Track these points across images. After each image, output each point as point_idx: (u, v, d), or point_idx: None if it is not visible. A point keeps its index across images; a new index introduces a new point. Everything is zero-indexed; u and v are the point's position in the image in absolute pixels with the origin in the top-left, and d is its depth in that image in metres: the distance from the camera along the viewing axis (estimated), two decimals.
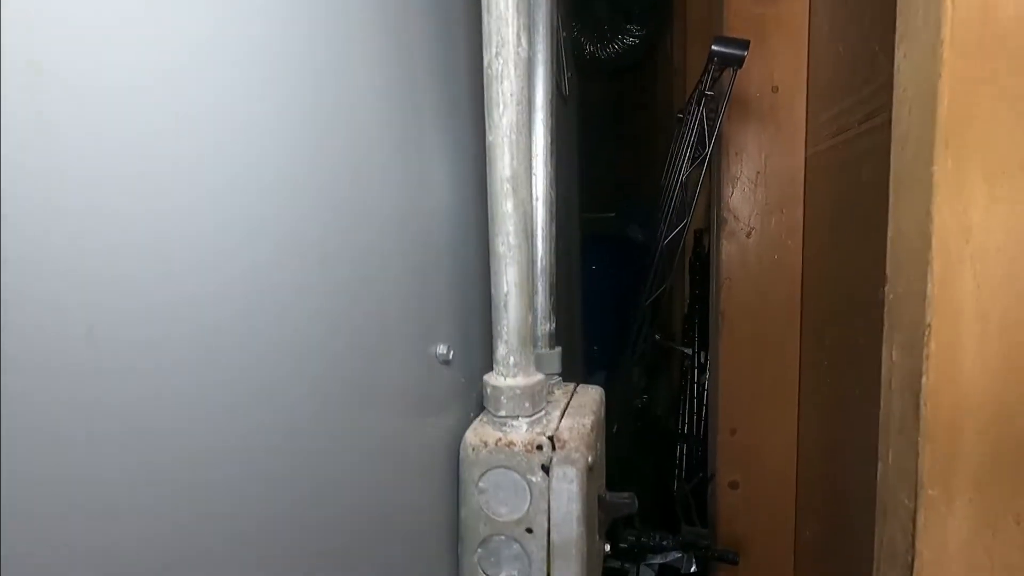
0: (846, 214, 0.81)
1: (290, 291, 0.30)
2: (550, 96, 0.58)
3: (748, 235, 1.02)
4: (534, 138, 0.55)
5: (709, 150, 0.87)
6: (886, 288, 0.39)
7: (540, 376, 0.44)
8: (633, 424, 1.64)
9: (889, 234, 0.38)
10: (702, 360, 1.40)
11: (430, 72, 0.40)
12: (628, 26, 2.24)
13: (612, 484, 0.63)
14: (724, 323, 1.07)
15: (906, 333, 0.35)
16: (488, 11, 0.33)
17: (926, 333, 0.32)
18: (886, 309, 0.39)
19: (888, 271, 0.39)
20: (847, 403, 0.80)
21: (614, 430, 1.54)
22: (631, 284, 2.89)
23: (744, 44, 0.77)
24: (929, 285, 0.32)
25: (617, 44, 2.36)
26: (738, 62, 0.78)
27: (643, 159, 3.01)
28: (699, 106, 0.83)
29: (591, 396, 0.52)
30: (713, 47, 0.78)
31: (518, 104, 0.33)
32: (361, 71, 0.33)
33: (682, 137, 0.97)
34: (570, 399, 0.50)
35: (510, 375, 0.43)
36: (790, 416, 1.04)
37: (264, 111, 0.28)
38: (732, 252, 1.04)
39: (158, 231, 0.23)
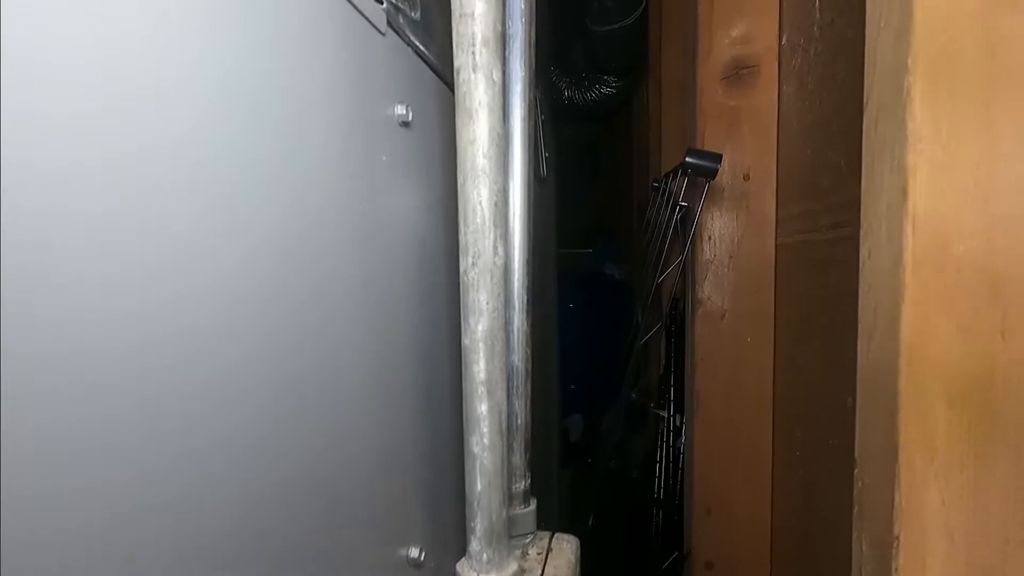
0: (816, 311, 0.83)
1: (254, 521, 0.28)
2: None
3: (722, 317, 1.03)
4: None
5: (685, 257, 0.88)
6: (855, 472, 0.39)
7: (514, 567, 0.43)
8: (609, 487, 1.63)
9: (857, 427, 0.39)
10: (677, 423, 1.41)
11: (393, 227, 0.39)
12: (605, 77, 2.28)
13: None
14: (699, 403, 1.08)
15: (875, 530, 0.35)
16: (465, 222, 0.32)
17: (895, 545, 0.32)
18: (855, 492, 0.39)
19: (857, 454, 0.39)
20: (819, 492, 0.81)
21: (590, 523, 1.52)
22: (608, 322, 2.90)
23: (717, 158, 0.79)
24: (896, 495, 0.32)
25: (594, 92, 2.40)
26: (711, 174, 0.80)
27: (619, 198, 3.05)
28: (674, 213, 0.84)
29: (566, 557, 0.51)
30: (687, 159, 0.79)
31: (494, 311, 0.33)
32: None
33: (656, 236, 0.98)
34: (544, 565, 0.49)
35: (483, 571, 0.41)
36: (764, 498, 1.04)
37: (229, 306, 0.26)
38: (706, 334, 1.05)
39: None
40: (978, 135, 0.32)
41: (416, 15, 0.37)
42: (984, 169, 0.32)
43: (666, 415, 1.43)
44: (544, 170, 1.07)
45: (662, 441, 1.43)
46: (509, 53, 0.55)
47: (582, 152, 3.04)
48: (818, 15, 0.81)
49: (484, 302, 0.32)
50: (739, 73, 0.98)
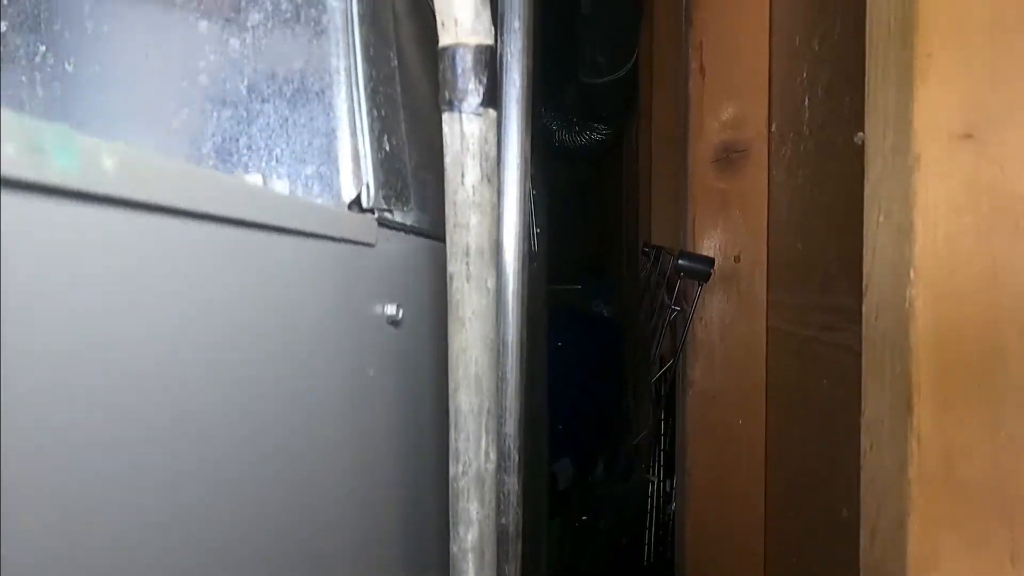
0: (809, 410, 0.82)
1: None
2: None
3: (713, 398, 1.03)
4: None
5: (678, 359, 0.87)
6: None
7: None
8: (598, 547, 1.60)
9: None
10: (668, 489, 1.39)
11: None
12: (595, 124, 2.30)
13: None
14: (690, 480, 1.06)
15: None
16: (456, 428, 0.31)
17: None
18: None
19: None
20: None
21: None
22: (597, 361, 2.88)
23: (709, 262, 0.79)
24: None
25: (584, 137, 2.42)
26: (704, 278, 0.80)
27: (609, 237, 3.06)
28: (668, 317, 0.83)
29: None
30: (679, 262, 0.79)
31: (485, 519, 0.32)
32: None
33: (648, 318, 0.98)
34: None
35: None
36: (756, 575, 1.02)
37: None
38: (698, 413, 1.04)
39: None
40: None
41: (408, 207, 0.37)
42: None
43: (655, 480, 1.41)
44: (536, 246, 1.06)
45: (651, 507, 1.41)
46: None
47: (572, 192, 3.06)
48: (807, 114, 0.82)
49: (475, 512, 0.31)
50: (729, 156, 0.99)
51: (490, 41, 0.27)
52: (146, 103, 0.31)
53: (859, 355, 0.59)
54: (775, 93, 0.94)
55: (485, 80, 0.28)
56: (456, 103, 0.28)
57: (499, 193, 0.40)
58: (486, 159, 0.29)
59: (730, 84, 0.98)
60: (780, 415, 0.95)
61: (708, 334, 1.01)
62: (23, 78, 0.32)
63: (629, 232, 2.55)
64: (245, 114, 0.30)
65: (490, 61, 0.28)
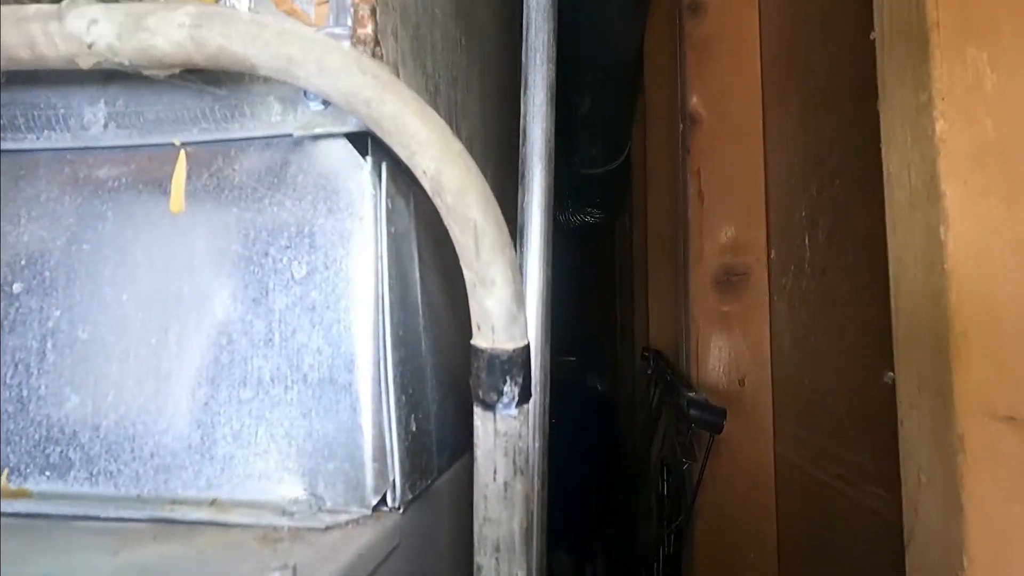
0: (829, 560, 0.79)
1: None
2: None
3: (722, 523, 0.99)
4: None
5: (686, 517, 0.85)
6: None
7: None
8: None
9: None
10: None
11: None
12: (590, 208, 2.35)
13: None
14: None
15: None
16: None
17: None
18: None
19: None
20: None
21: None
22: (591, 439, 2.81)
23: (721, 413, 0.78)
24: None
25: (579, 219, 2.46)
26: (715, 429, 0.79)
27: (602, 313, 3.07)
28: (680, 469, 0.81)
29: None
30: (691, 412, 0.78)
31: None
32: None
33: (658, 499, 0.95)
34: None
35: None
36: None
37: None
38: (707, 544, 1.00)
39: None
40: None
41: (432, 476, 0.35)
42: None
43: None
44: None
45: None
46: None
47: (566, 267, 3.09)
48: (808, 253, 0.83)
49: None
50: (730, 279, 1.00)
51: (525, 341, 0.27)
52: (161, 377, 0.30)
53: (886, 519, 0.57)
54: (773, 221, 0.96)
55: (520, 380, 0.27)
56: (490, 403, 0.27)
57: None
58: (519, 453, 0.28)
59: (729, 209, 1.00)
60: (794, 556, 0.91)
61: (715, 458, 0.98)
62: (34, 343, 0.30)
63: (624, 310, 2.56)
64: (266, 399, 0.29)
65: (525, 361, 0.27)
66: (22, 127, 0.32)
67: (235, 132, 0.29)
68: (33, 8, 0.26)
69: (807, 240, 0.84)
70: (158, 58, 0.26)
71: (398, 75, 0.35)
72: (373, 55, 0.30)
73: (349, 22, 0.29)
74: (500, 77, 0.78)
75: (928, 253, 0.32)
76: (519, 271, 0.52)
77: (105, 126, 0.31)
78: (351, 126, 0.28)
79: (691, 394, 0.81)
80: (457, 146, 0.26)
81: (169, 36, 0.26)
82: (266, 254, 0.29)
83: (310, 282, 0.29)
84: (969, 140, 0.31)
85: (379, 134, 0.25)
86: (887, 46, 0.38)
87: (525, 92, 0.52)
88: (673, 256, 1.32)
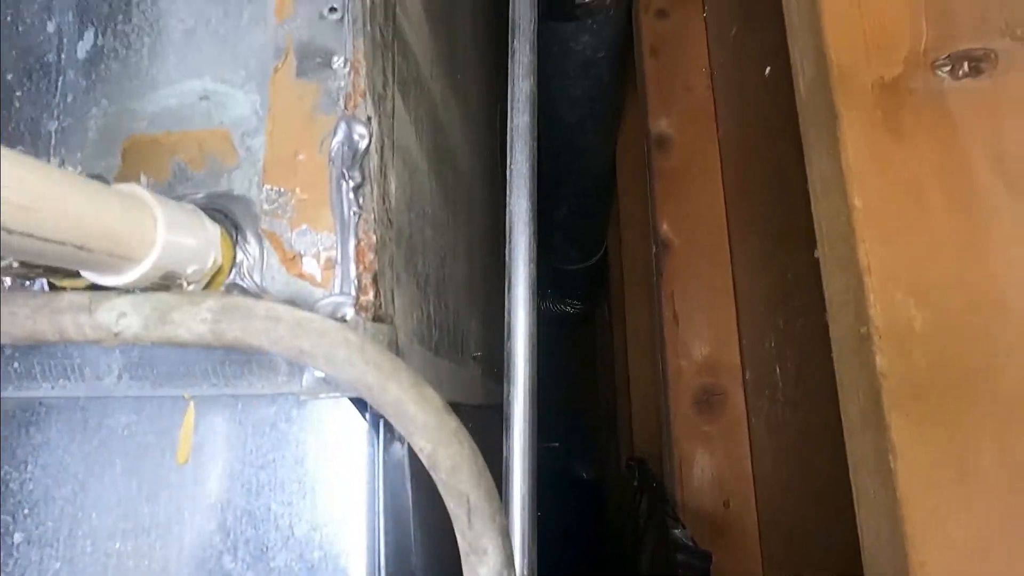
0: None
1: None
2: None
3: None
4: None
5: None
6: None
7: None
8: None
9: None
10: None
11: None
12: (569, 299, 2.41)
13: None
14: None
15: None
16: None
17: None
18: None
19: None
20: None
21: None
22: (577, 530, 2.71)
23: (707, 556, 0.79)
24: None
25: (558, 310, 2.51)
26: (703, 574, 0.79)
27: (584, 398, 3.06)
28: None
29: None
30: (677, 556, 0.79)
31: None
32: None
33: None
34: None
35: None
36: None
37: None
38: None
39: None
40: None
41: None
42: None
43: None
44: None
45: None
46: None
47: (548, 355, 3.11)
48: (780, 383, 0.87)
49: None
50: (709, 399, 1.02)
51: None
52: None
53: None
54: (745, 345, 1.01)
55: None
56: None
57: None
58: None
59: (703, 331, 1.04)
60: None
61: None
62: None
63: (607, 399, 2.56)
64: None
65: None
66: (37, 376, 0.33)
67: (243, 388, 0.32)
68: (66, 300, 0.29)
69: (778, 370, 0.88)
70: (179, 343, 0.29)
71: (392, 300, 0.39)
72: (375, 312, 0.33)
73: (353, 291, 0.32)
74: (484, 202, 0.84)
75: (881, 474, 0.35)
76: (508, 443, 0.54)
77: (119, 377, 0.33)
78: (352, 392, 0.31)
79: (677, 532, 0.82)
80: (452, 425, 0.28)
81: (192, 328, 0.28)
82: (269, 509, 0.31)
83: (311, 540, 0.30)
84: (906, 374, 0.35)
85: (381, 412, 0.28)
86: (829, 271, 0.42)
87: (509, 241, 0.55)
88: (652, 355, 1.35)
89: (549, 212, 1.80)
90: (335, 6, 0.37)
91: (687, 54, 1.15)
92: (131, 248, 0.27)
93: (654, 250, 1.13)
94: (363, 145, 0.34)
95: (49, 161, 0.37)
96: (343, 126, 0.34)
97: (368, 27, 0.38)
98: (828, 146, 0.41)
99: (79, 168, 0.36)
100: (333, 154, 0.34)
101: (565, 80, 1.34)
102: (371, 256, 0.33)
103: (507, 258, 0.49)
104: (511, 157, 0.50)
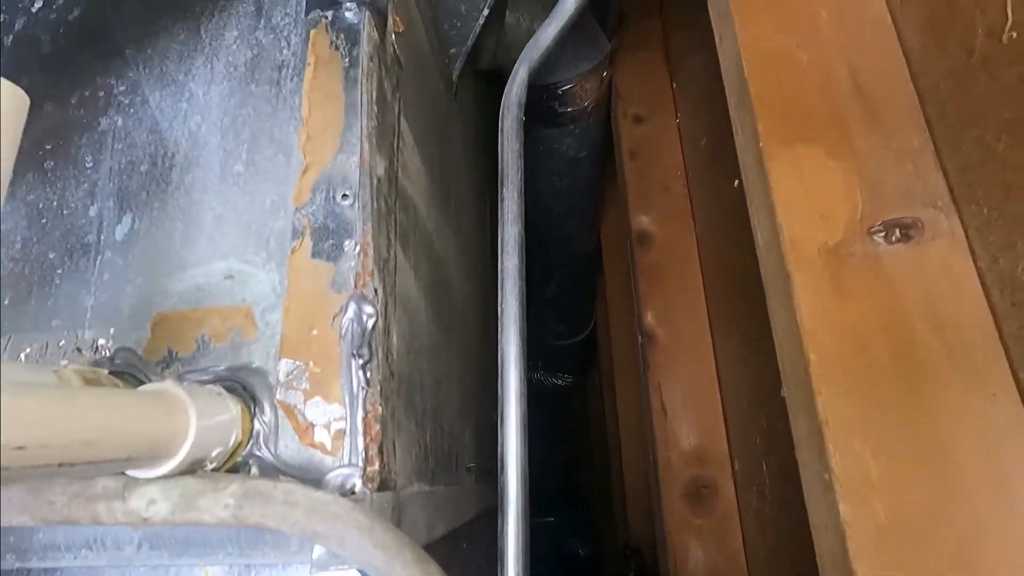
0: None
1: None
2: None
3: None
4: None
5: None
6: None
7: None
8: None
9: None
10: None
11: None
12: (560, 373, 2.43)
13: None
14: None
15: None
16: None
17: None
18: None
19: None
20: None
21: None
22: None
23: None
24: None
25: (549, 383, 2.53)
26: None
27: (576, 473, 3.02)
28: None
29: None
30: None
31: None
32: None
33: None
34: None
35: None
36: None
37: None
38: None
39: None
40: None
41: None
42: None
43: None
44: None
45: None
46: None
47: (538, 428, 3.09)
48: (767, 480, 0.89)
49: None
50: (699, 491, 1.04)
51: None
52: None
53: None
54: (732, 437, 1.03)
55: None
56: None
57: None
58: None
59: (690, 423, 1.07)
60: None
61: None
62: None
63: (601, 473, 2.53)
64: None
65: None
66: (62, 547, 0.36)
67: (257, 558, 0.34)
68: (100, 486, 0.32)
69: (764, 467, 0.90)
70: (203, 525, 0.32)
71: (394, 451, 0.42)
72: (380, 480, 0.36)
73: (360, 462, 0.36)
74: (475, 304, 0.88)
75: None
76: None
77: (139, 547, 0.35)
78: (361, 567, 0.34)
79: None
80: None
81: (215, 513, 0.31)
82: None
83: None
84: (867, 524, 0.39)
85: None
86: (794, 413, 0.46)
87: (501, 383, 0.59)
88: (641, 438, 1.37)
89: (538, 290, 1.86)
90: (347, 192, 0.42)
91: (663, 157, 1.24)
92: (168, 448, 0.30)
93: (640, 340, 1.17)
94: (371, 324, 0.38)
95: (84, 334, 0.41)
96: (353, 305, 0.39)
97: (375, 205, 0.43)
98: (784, 301, 0.46)
99: (111, 342, 0.40)
100: (344, 331, 0.38)
101: (551, 176, 1.43)
102: (377, 427, 0.37)
103: (499, 394, 0.53)
104: (501, 297, 0.54)
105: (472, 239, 0.94)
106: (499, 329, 0.53)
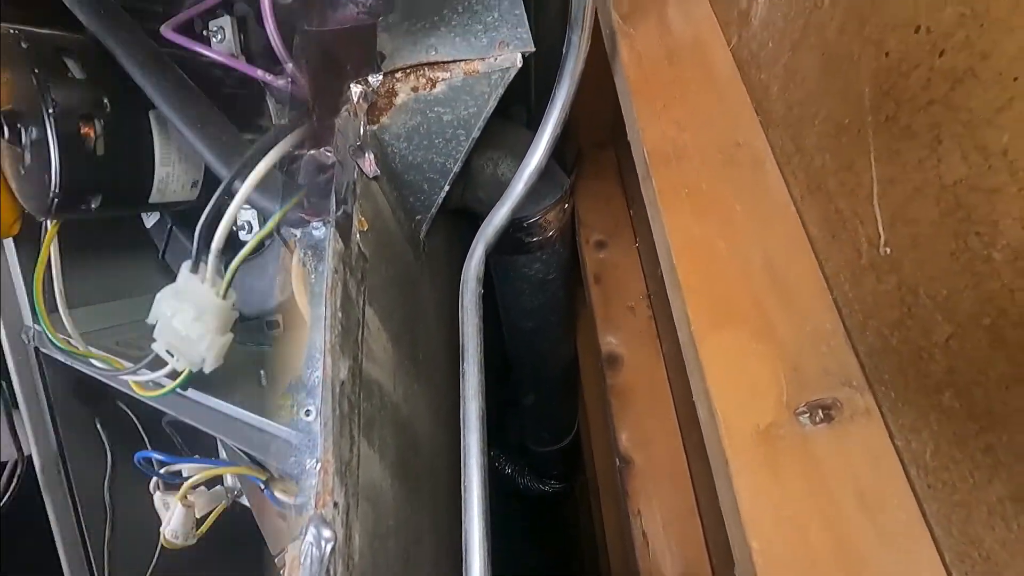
0: None
1: None
2: None
3: None
4: None
5: None
6: None
7: None
8: None
9: None
10: None
11: None
12: (546, 479, 2.39)
13: None
14: None
15: None
16: None
17: None
18: None
19: None
20: None
21: None
22: None
23: None
24: None
25: (535, 489, 2.47)
26: None
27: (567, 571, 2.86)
28: None
29: None
30: None
31: None
32: None
33: None
34: None
35: None
36: None
37: None
38: None
39: None
40: None
41: None
42: None
43: None
44: None
45: None
46: None
47: (527, 530, 2.97)
48: None
49: None
50: None
51: None
52: None
53: None
54: (716, 565, 1.02)
55: None
56: None
57: None
58: None
59: (674, 555, 1.06)
60: None
61: None
62: None
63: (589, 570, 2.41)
64: None
65: None
66: None
67: None
68: None
69: None
70: None
71: None
72: None
73: None
74: (447, 445, 0.88)
75: None
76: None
77: None
78: None
79: None
80: None
81: None
82: None
83: None
84: None
85: None
86: None
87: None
88: (625, 560, 1.33)
89: (517, 400, 1.86)
90: (310, 409, 0.45)
91: (626, 280, 1.32)
92: None
93: (617, 464, 1.18)
94: (328, 549, 0.40)
95: None
96: (312, 529, 0.41)
97: (338, 412, 0.46)
98: (727, 483, 0.49)
99: None
100: (303, 556, 0.40)
101: (520, 296, 1.49)
102: None
103: None
104: (465, 475, 0.56)
105: (444, 382, 0.97)
106: (463, 509, 0.54)
